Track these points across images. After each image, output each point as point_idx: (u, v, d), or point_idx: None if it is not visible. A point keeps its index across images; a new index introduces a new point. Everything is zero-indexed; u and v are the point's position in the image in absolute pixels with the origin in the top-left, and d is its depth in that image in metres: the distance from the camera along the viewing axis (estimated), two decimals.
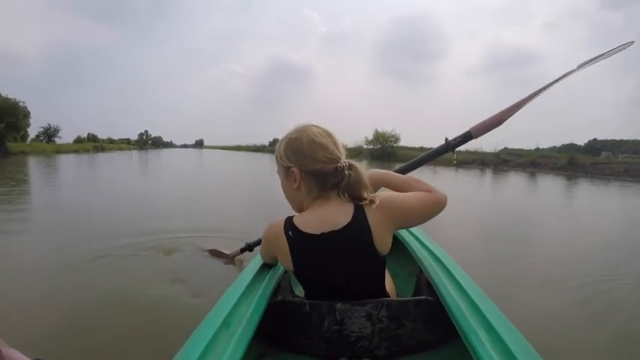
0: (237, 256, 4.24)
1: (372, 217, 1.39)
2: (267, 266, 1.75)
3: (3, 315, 3.01)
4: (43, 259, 4.43)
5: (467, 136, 2.31)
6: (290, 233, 1.43)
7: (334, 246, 1.38)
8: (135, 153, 61.33)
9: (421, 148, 37.82)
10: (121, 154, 51.69)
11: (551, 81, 2.26)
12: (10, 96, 46.70)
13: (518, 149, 31.87)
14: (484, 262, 4.75)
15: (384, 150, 36.56)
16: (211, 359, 1.13)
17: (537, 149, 34.88)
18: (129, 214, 7.53)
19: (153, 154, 61.30)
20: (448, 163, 26.70)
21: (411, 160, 2.47)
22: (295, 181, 1.46)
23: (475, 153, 29.67)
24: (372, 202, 1.40)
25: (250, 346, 1.26)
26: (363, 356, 1.42)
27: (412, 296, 1.78)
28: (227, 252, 4.35)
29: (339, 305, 1.39)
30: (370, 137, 38.37)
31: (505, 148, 30.35)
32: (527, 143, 34.82)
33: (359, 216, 1.39)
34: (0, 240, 5.34)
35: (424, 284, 1.74)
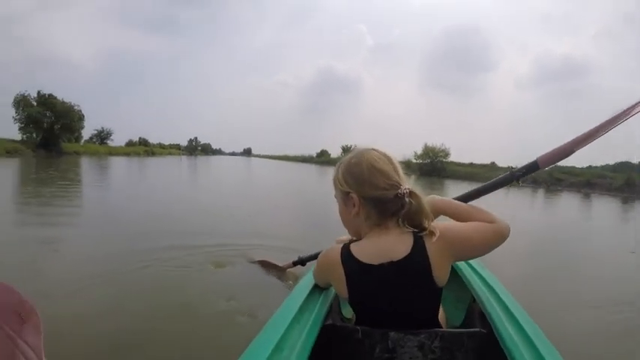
0: (289, 269, 4.14)
1: (432, 248, 1.33)
2: (319, 287, 1.67)
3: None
4: (88, 265, 4.36)
5: (533, 167, 2.09)
6: (347, 262, 1.38)
7: (392, 277, 1.33)
8: (184, 158, 62.76)
9: (471, 164, 37.28)
10: (171, 159, 53.03)
11: (627, 107, 1.83)
12: (66, 99, 48.48)
13: (570, 167, 30.70)
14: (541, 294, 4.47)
15: (434, 165, 35.93)
16: None
17: (590, 167, 33.72)
18: (178, 221, 7.54)
19: (202, 160, 62.57)
20: None
21: (473, 189, 2.23)
22: (354, 206, 1.41)
23: None
24: (432, 233, 1.34)
25: None
26: None
27: (462, 324, 1.87)
28: (279, 264, 4.25)
29: (392, 334, 1.34)
30: (419, 151, 37.75)
31: (556, 166, 29.54)
32: (579, 161, 33.56)
33: (418, 247, 1.33)
34: (46, 246, 5.23)
35: (477, 314, 1.74)
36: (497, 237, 1.40)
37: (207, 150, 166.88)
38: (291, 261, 4.04)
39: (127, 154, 56.56)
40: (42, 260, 4.50)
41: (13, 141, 39.70)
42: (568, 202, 17.90)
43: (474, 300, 1.79)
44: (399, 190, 1.35)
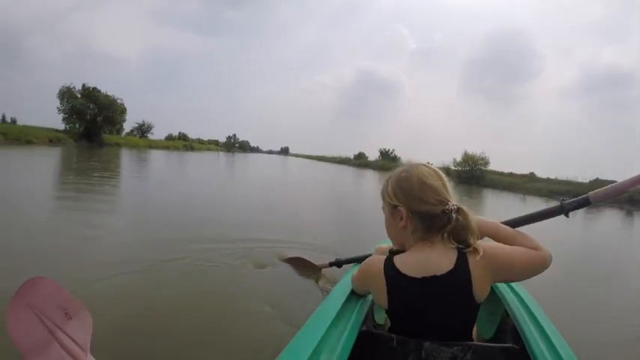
0: (324, 269, 4.14)
1: (475, 267, 1.36)
2: (356, 293, 1.71)
3: None
4: (120, 252, 4.42)
5: (584, 201, 2.11)
6: (389, 273, 1.40)
7: (433, 291, 1.36)
8: (222, 155, 63.07)
9: (510, 174, 36.53)
10: (209, 155, 53.63)
11: None
12: (110, 93, 49.39)
13: (611, 180, 29.54)
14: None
15: (473, 173, 35.24)
16: None
17: None
18: (215, 214, 7.66)
19: (239, 157, 62.96)
20: (537, 193, 25.73)
21: (520, 216, 2.23)
22: (401, 219, 1.44)
23: (569, 183, 28.36)
24: (476, 250, 1.37)
25: None
26: None
27: (493, 338, 1.92)
28: (315, 262, 4.25)
29: (426, 344, 1.38)
30: (459, 158, 37.32)
31: (597, 179, 28.78)
32: (617, 176, 32.33)
33: (462, 264, 1.36)
34: (83, 232, 5.31)
35: (509, 329, 1.80)
36: (539, 265, 1.42)
37: (244, 147, 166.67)
38: (327, 261, 3.99)
39: (167, 148, 57.44)
40: (78, 245, 4.59)
41: (57, 130, 40.68)
42: (609, 219, 17.34)
43: (507, 315, 1.84)
44: (447, 206, 1.38)
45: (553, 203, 2.10)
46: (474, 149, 37.16)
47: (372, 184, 23.06)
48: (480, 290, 1.37)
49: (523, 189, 29.16)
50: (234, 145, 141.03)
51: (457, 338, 1.40)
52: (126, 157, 26.73)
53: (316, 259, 4.21)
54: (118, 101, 50.10)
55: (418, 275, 1.36)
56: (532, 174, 37.13)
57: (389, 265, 1.41)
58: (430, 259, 1.37)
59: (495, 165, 37.41)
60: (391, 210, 1.48)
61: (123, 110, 51.31)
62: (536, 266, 1.41)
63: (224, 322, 3.06)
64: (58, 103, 45.72)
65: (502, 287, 2.00)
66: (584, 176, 29.07)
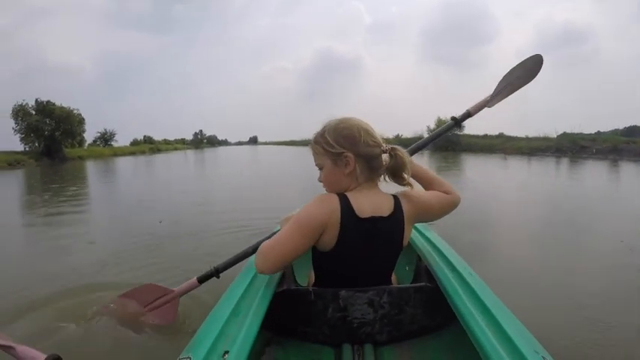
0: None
1: (406, 209, 1.51)
2: None
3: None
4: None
5: (468, 114, 2.43)
6: (345, 211, 1.43)
7: (378, 231, 1.44)
8: (189, 153, 62.20)
9: (485, 136, 36.30)
10: (176, 155, 53.33)
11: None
12: (65, 105, 47.46)
13: (577, 133, 29.59)
14: None
15: (448, 139, 34.43)
16: (224, 346, 1.17)
17: (598, 132, 32.29)
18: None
19: (208, 152, 62.51)
20: (519, 152, 25.40)
21: (423, 139, 2.49)
22: (347, 165, 1.48)
23: (548, 139, 28.05)
24: (409, 185, 1.54)
25: (257, 334, 1.28)
26: (366, 341, 1.49)
27: (411, 283, 2.04)
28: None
29: (342, 292, 1.46)
30: (432, 126, 37.24)
31: (564, 133, 28.63)
32: (586, 128, 32.15)
33: (398, 207, 1.49)
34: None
35: (423, 271, 1.96)
36: (452, 206, 1.67)
37: (213, 142, 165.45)
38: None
39: (133, 154, 56.27)
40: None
41: (16, 152, 39.03)
42: (593, 170, 16.75)
43: (420, 259, 1.99)
44: (382, 147, 1.50)
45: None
46: (447, 115, 36.47)
47: None
48: (407, 234, 1.51)
49: (502, 149, 28.76)
50: (202, 141, 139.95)
51: (377, 283, 1.50)
52: (86, 170, 25.63)
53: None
54: (75, 112, 48.11)
55: (367, 215, 1.43)
56: (501, 134, 36.86)
57: (344, 202, 1.43)
58: (376, 200, 1.48)
59: (470, 128, 37.00)
60: (334, 158, 1.49)
61: (80, 121, 49.36)
62: (449, 207, 1.66)
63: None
64: (13, 123, 43.71)
65: (414, 235, 2.11)
66: (554, 131, 29.26)
